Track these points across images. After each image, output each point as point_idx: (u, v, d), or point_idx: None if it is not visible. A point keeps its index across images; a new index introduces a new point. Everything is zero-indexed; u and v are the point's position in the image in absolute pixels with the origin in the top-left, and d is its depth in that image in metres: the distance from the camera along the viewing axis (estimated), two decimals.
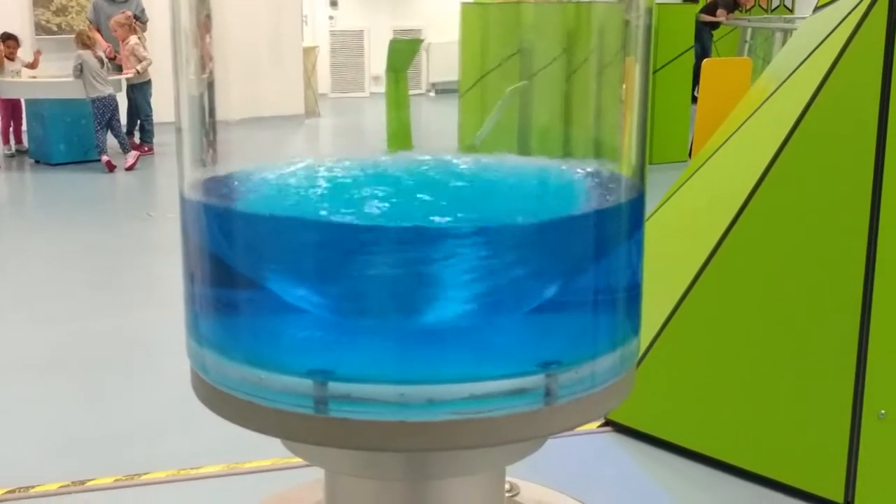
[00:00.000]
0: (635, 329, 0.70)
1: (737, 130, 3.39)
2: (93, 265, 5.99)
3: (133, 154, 8.97)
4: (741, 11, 11.48)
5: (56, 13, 10.59)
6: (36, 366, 4.34)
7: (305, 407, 0.63)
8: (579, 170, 0.70)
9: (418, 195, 0.68)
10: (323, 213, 0.66)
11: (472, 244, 0.63)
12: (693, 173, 3.58)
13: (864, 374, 2.87)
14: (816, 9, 3.68)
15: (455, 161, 0.73)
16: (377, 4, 0.70)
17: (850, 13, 2.88)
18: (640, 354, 3.35)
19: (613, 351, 0.67)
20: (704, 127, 5.34)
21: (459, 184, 0.71)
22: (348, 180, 0.71)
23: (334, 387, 0.62)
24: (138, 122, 9.50)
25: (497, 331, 0.64)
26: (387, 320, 0.63)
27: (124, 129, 9.21)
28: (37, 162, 9.18)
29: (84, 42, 8.61)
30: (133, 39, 8.94)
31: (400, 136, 0.75)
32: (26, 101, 9.25)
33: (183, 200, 0.70)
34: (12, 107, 9.36)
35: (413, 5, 0.68)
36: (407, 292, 0.62)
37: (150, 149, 9.44)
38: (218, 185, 0.71)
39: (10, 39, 9.20)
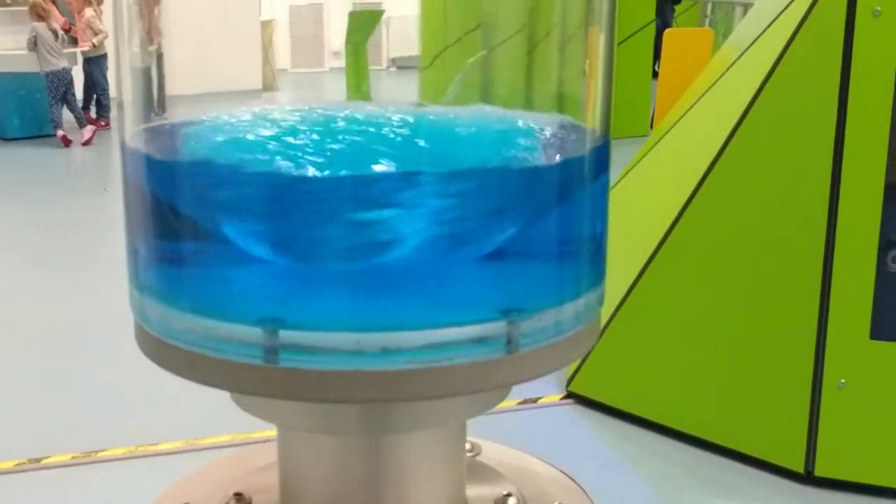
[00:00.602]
0: (598, 278, 0.68)
1: (698, 101, 3.38)
2: (46, 240, 5.90)
3: (89, 129, 8.85)
4: None
5: None
6: None
7: (255, 357, 0.60)
8: (540, 120, 0.68)
9: (373, 142, 0.65)
10: (273, 157, 0.62)
11: (427, 187, 0.60)
12: (654, 144, 3.56)
13: (823, 343, 2.88)
14: None
15: (413, 110, 0.70)
16: None
17: None
18: (602, 327, 3.35)
19: (576, 299, 0.65)
20: (666, 97, 5.33)
21: (416, 130, 0.68)
22: (301, 127, 0.68)
23: (285, 335, 0.59)
24: (94, 96, 9.37)
25: (455, 276, 0.61)
26: (340, 265, 0.60)
27: (80, 104, 9.07)
28: None
29: (38, 14, 8.47)
30: (89, 12, 8.80)
31: None
32: None
33: (125, 148, 0.66)
34: None
35: None
36: (361, 236, 0.59)
37: (107, 123, 9.32)
38: (163, 135, 0.67)
39: None
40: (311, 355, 0.59)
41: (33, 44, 8.44)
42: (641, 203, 3.45)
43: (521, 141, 0.66)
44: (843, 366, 2.87)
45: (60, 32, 8.69)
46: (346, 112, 0.69)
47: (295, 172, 0.62)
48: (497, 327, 0.61)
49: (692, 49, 5.61)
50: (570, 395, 3.66)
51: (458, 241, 0.61)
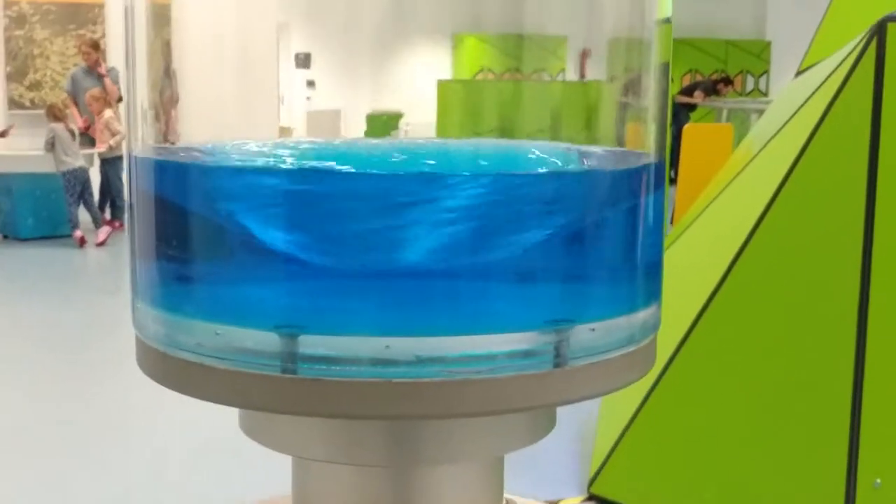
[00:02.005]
0: (654, 298, 0.61)
1: (721, 192, 3.33)
2: (58, 341, 5.84)
3: (104, 230, 8.85)
4: (718, 96, 11.61)
5: (29, 88, 10.53)
6: None
7: (271, 367, 0.53)
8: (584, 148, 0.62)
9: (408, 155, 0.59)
10: (297, 160, 0.57)
11: (468, 185, 0.54)
12: (676, 238, 3.50)
13: (857, 442, 2.77)
14: (798, 73, 3.66)
15: (446, 143, 0.64)
16: (355, 85, 0.62)
17: (835, 69, 2.84)
18: (624, 426, 3.24)
19: (630, 314, 0.58)
20: (686, 193, 5.29)
21: (451, 151, 0.62)
22: (326, 149, 0.62)
23: (306, 341, 0.52)
24: (110, 198, 9.41)
25: (500, 279, 0.54)
26: (369, 263, 0.53)
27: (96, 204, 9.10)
28: (5, 237, 9.03)
29: (55, 115, 8.54)
30: (108, 113, 8.88)
31: None
32: None
33: (136, 159, 0.60)
34: None
35: (391, 87, 0.61)
36: (392, 234, 0.53)
37: (122, 225, 9.32)
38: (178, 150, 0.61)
39: None
40: (334, 364, 0.52)
41: (51, 144, 8.49)
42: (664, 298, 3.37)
43: (564, 156, 0.60)
44: (879, 464, 2.76)
45: (77, 133, 8.76)
46: (376, 143, 0.63)
47: (321, 167, 0.56)
48: (545, 337, 0.54)
49: (712, 145, 5.59)
50: (591, 498, 3.53)
51: (504, 242, 0.54)
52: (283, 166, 0.55)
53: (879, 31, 2.72)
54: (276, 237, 0.53)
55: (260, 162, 0.56)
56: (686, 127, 6.36)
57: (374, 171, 0.54)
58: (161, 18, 0.59)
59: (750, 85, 14.80)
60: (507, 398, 0.53)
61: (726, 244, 3.05)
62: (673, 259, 3.62)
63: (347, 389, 0.52)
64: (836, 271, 2.78)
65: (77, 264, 8.25)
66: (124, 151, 0.62)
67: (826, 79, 2.92)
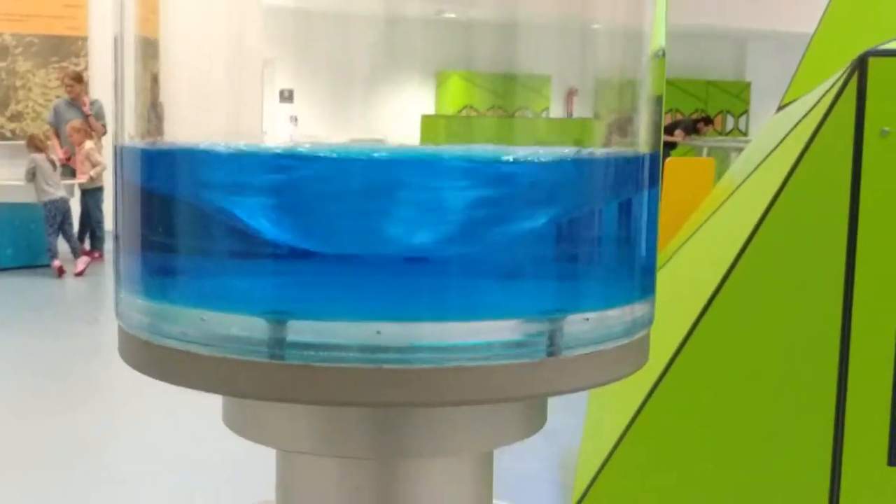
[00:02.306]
0: (648, 293, 0.60)
1: (704, 223, 3.33)
2: (37, 370, 5.78)
3: (83, 260, 8.81)
4: (699, 135, 11.69)
5: (11, 119, 10.50)
6: None
7: (258, 353, 0.52)
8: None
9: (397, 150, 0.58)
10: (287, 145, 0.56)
11: (462, 167, 0.53)
12: (659, 269, 3.50)
13: (839, 471, 2.76)
14: (780, 108, 3.68)
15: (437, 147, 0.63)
16: (338, 119, 0.61)
17: (817, 103, 2.86)
18: (610, 448, 3.22)
19: (625, 305, 0.57)
20: (668, 226, 5.30)
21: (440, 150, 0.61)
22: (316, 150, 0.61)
23: (294, 326, 0.51)
24: (89, 228, 9.36)
25: (494, 264, 0.53)
26: (359, 246, 0.52)
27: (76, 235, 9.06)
28: None
29: (36, 145, 8.51)
30: (88, 144, 8.85)
31: None
32: None
33: (122, 149, 0.59)
34: None
35: (374, 122, 0.60)
36: (382, 216, 0.52)
37: (101, 255, 9.27)
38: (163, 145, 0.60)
39: None
40: (322, 350, 0.51)
41: (32, 174, 8.46)
42: None
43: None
44: (860, 495, 2.75)
45: (58, 163, 8.72)
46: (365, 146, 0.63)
47: (308, 151, 0.55)
48: (538, 326, 0.53)
49: (694, 179, 5.61)
50: None
51: (497, 229, 0.53)
52: (270, 151, 0.54)
53: (860, 65, 2.74)
54: (263, 222, 0.52)
55: (246, 147, 0.55)
56: (668, 160, 6.38)
57: (363, 156, 0.53)
58: (149, 52, 0.59)
59: (730, 124, 14.93)
60: (500, 386, 0.52)
61: (710, 274, 3.05)
62: (657, 287, 3.60)
63: (336, 376, 0.50)
64: (818, 299, 2.78)
65: (56, 294, 8.19)
66: (109, 168, 0.60)
67: (808, 112, 2.94)
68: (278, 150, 0.54)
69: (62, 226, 8.63)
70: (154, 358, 0.55)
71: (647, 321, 0.60)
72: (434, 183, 0.52)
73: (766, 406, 2.91)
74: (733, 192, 3.22)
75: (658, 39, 0.60)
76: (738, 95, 15.00)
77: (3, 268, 8.82)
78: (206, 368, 0.52)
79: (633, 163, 0.59)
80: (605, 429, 3.40)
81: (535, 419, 0.60)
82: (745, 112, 15.04)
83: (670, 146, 11.25)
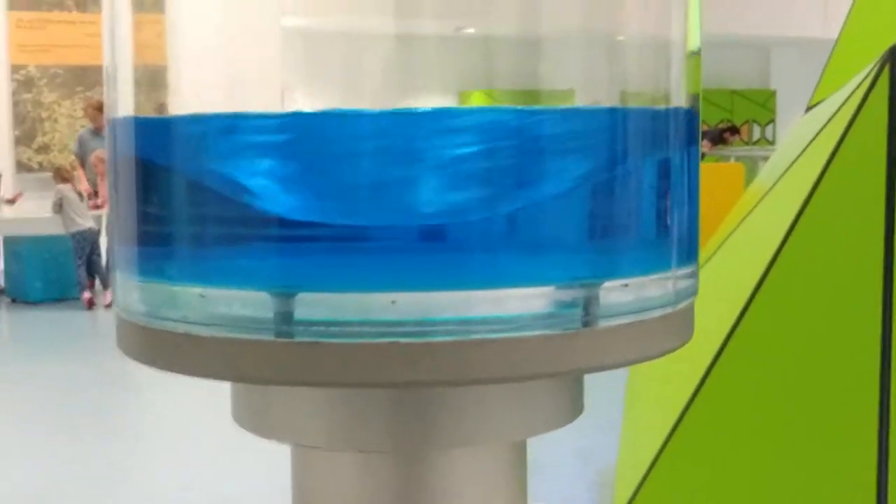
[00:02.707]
0: (692, 258, 0.55)
1: (737, 227, 3.27)
2: (69, 402, 5.77)
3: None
4: (725, 145, 11.63)
5: (38, 151, 10.56)
6: None
7: (264, 331, 0.47)
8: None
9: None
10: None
11: (483, 118, 0.48)
12: None
13: (886, 481, 2.68)
14: (808, 109, 3.62)
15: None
16: None
17: (847, 99, 2.79)
18: (647, 467, 3.15)
19: (666, 271, 0.52)
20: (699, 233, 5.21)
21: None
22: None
23: (302, 299, 0.46)
24: None
25: (520, 225, 0.48)
26: (370, 211, 0.47)
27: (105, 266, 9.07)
28: (13, 301, 8.99)
29: (63, 176, 8.54)
30: None
31: None
32: (4, 239, 9.12)
33: (115, 122, 0.55)
34: None
35: None
36: (397, 175, 0.47)
37: None
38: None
39: None
40: (333, 326, 0.46)
41: (59, 206, 8.48)
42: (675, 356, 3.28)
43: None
44: None
45: (84, 195, 8.74)
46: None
47: (314, 110, 0.50)
48: (572, 293, 0.48)
49: (723, 184, 5.55)
50: None
51: (524, 187, 0.48)
52: (272, 113, 0.49)
53: (892, 58, 2.68)
54: (266, 188, 0.48)
55: (246, 111, 0.51)
56: None
57: (373, 111, 0.49)
58: (156, 81, 0.54)
59: (756, 134, 14.82)
60: (531, 361, 0.47)
61: (745, 280, 2.98)
62: None
63: (350, 353, 0.46)
64: (858, 297, 2.71)
65: (86, 326, 8.20)
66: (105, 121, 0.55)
67: (838, 109, 2.88)
68: (281, 112, 0.49)
69: (91, 257, 8.64)
70: (152, 344, 0.50)
71: (691, 291, 0.55)
72: (451, 136, 0.47)
73: (807, 415, 2.83)
74: (765, 195, 3.16)
75: (692, 40, 0.55)
76: (763, 104, 14.89)
77: (34, 301, 8.83)
78: (207, 351, 0.48)
79: (668, 117, 0.53)
80: (642, 443, 3.32)
81: (571, 404, 0.54)
82: (772, 121, 14.93)
83: None
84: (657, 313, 0.51)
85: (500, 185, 0.47)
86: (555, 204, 0.48)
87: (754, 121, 14.84)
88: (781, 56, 14.77)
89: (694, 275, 0.55)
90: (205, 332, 0.48)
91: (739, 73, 14.62)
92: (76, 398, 5.84)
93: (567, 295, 0.48)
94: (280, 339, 0.46)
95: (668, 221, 0.53)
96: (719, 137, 11.62)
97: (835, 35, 4.15)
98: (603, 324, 0.48)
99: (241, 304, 0.47)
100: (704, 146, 11.24)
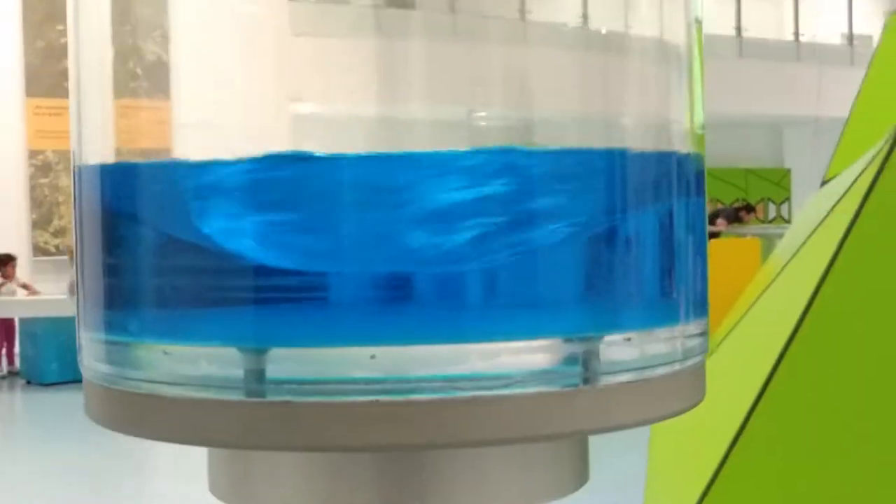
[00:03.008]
0: (699, 312, 0.51)
1: (757, 301, 3.21)
2: (83, 484, 5.70)
3: None
4: (741, 223, 11.60)
5: (55, 234, 10.61)
6: None
7: (233, 391, 0.43)
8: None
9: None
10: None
11: (473, 161, 0.45)
12: (713, 351, 3.37)
13: None
14: (824, 183, 3.58)
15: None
16: None
17: (864, 170, 2.75)
18: None
19: (672, 325, 0.48)
20: (715, 307, 5.16)
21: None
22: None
23: (274, 356, 0.42)
24: None
25: (515, 273, 0.44)
26: (348, 259, 0.43)
27: None
28: (28, 382, 8.95)
29: None
30: None
31: None
32: (20, 321, 9.11)
33: (81, 170, 0.51)
34: (6, 328, 9.22)
35: None
36: (378, 220, 0.43)
37: None
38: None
39: (10, 261, 9.17)
40: (308, 384, 0.42)
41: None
42: (701, 421, 3.22)
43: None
44: None
45: None
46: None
47: (287, 152, 0.47)
48: (571, 347, 0.44)
49: (740, 259, 5.49)
50: None
51: (519, 233, 0.44)
52: (240, 158, 0.45)
53: None
54: (233, 234, 0.44)
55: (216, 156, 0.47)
56: (713, 241, 6.30)
57: (352, 154, 0.45)
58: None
59: (772, 212, 14.78)
60: (527, 422, 0.42)
61: (765, 354, 2.92)
62: (712, 368, 3.46)
63: (326, 414, 0.41)
64: (880, 371, 2.64)
65: None
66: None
67: (854, 181, 2.84)
68: (250, 157, 0.46)
69: None
70: (114, 406, 0.46)
71: (701, 347, 0.50)
72: (437, 183, 0.44)
73: (836, 483, 2.75)
74: (782, 268, 3.11)
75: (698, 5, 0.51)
76: (778, 183, 14.89)
77: (50, 383, 8.79)
78: (172, 413, 0.44)
79: (671, 162, 0.50)
80: None
81: (574, 469, 0.50)
82: (787, 199, 14.90)
83: (713, 235, 11.16)
84: (664, 371, 0.47)
85: (491, 230, 0.44)
86: (551, 252, 0.44)
87: (769, 199, 14.82)
88: (794, 134, 14.81)
89: (704, 332, 0.51)
90: (170, 392, 0.44)
91: (753, 151, 14.65)
92: (92, 481, 5.77)
93: (565, 349, 0.44)
94: (251, 399, 0.42)
95: (674, 273, 0.49)
96: (735, 216, 11.60)
97: (846, 114, 4.14)
98: (605, 381, 0.44)
99: (207, 361, 0.43)
100: (720, 224, 11.20)
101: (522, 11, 0.48)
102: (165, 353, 0.44)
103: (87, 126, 0.51)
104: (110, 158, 0.49)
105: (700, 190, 0.52)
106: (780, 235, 9.45)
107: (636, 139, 0.49)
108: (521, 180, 0.44)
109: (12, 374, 9.29)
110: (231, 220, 0.44)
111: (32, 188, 10.57)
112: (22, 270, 9.71)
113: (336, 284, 0.43)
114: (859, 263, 2.70)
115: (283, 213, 0.44)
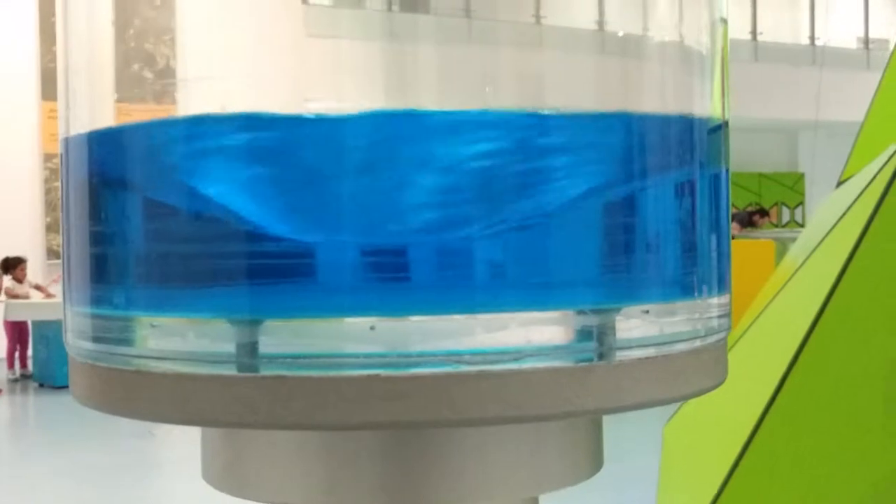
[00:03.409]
0: (721, 287, 0.48)
1: (769, 304, 3.17)
2: (95, 485, 5.69)
3: None
4: (755, 227, 11.55)
5: None
6: None
7: (224, 365, 0.40)
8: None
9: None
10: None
11: (479, 121, 0.42)
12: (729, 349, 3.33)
13: None
14: (839, 184, 3.55)
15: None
16: None
17: (881, 169, 2.72)
18: None
19: (692, 299, 0.45)
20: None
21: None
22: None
23: (268, 328, 0.40)
24: None
25: (523, 242, 0.41)
26: (346, 224, 0.40)
27: None
28: (41, 385, 8.94)
29: None
30: None
31: None
32: (33, 324, 9.12)
33: (69, 142, 0.49)
34: (19, 330, 9.22)
35: None
36: (377, 182, 0.41)
37: None
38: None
39: (20, 264, 9.16)
40: (304, 357, 0.39)
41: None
42: (716, 420, 3.18)
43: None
44: None
45: None
46: None
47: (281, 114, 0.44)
48: (585, 319, 0.41)
49: (754, 261, 5.45)
50: None
51: (528, 195, 0.42)
52: (235, 114, 0.43)
53: None
54: (227, 198, 0.41)
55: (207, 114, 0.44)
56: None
57: (353, 114, 0.42)
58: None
59: (786, 216, 14.72)
60: (538, 399, 0.40)
61: (779, 357, 2.88)
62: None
63: (323, 389, 0.39)
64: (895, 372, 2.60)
65: None
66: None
67: (870, 182, 2.80)
68: (245, 114, 0.43)
69: None
70: (102, 385, 0.44)
71: (723, 325, 0.48)
72: (438, 141, 0.41)
73: (845, 495, 2.71)
74: (797, 269, 3.08)
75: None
76: (791, 187, 14.82)
77: (62, 386, 8.78)
78: (160, 390, 0.41)
79: (693, 127, 0.47)
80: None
81: (589, 454, 0.47)
82: (801, 203, 14.83)
83: None
84: (685, 346, 0.44)
85: (501, 193, 0.41)
86: (564, 217, 0.42)
87: (783, 203, 14.75)
88: (808, 139, 14.73)
89: (726, 309, 0.48)
90: (157, 367, 0.41)
91: (767, 156, 14.59)
92: (103, 486, 5.75)
93: (578, 322, 0.41)
94: (243, 374, 0.40)
95: (696, 240, 0.46)
96: (748, 220, 11.55)
97: (861, 118, 4.11)
98: (620, 357, 0.41)
99: (196, 334, 0.41)
100: (734, 228, 11.16)
101: (537, 15, 0.46)
102: (153, 326, 0.41)
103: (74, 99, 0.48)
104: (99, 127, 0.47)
105: (723, 161, 0.49)
106: (794, 240, 9.39)
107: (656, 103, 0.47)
108: (532, 142, 0.42)
109: (25, 376, 9.29)
110: (221, 180, 0.42)
111: (47, 191, 10.59)
112: (36, 273, 9.72)
113: (332, 251, 0.40)
114: (875, 264, 2.66)
115: (277, 173, 0.41)
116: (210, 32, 0.46)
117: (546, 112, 0.43)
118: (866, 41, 13.90)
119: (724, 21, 0.50)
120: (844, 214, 2.90)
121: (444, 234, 0.40)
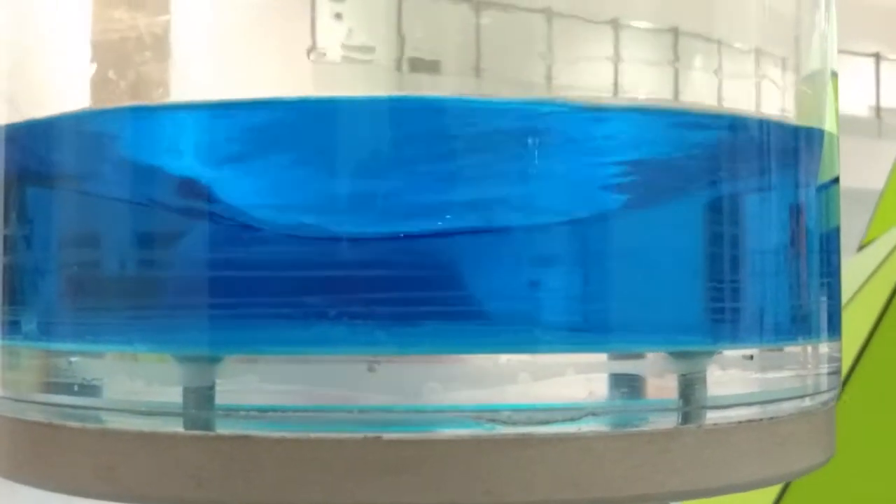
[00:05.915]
0: (833, 332, 0.37)
1: None
2: None
3: None
4: None
5: None
6: None
7: (166, 416, 0.29)
8: None
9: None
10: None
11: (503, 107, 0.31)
12: None
13: None
14: (861, 248, 3.45)
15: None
16: None
17: None
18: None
19: (805, 342, 0.34)
20: None
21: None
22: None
23: (227, 370, 0.29)
24: None
25: (573, 261, 0.30)
26: (333, 233, 0.29)
27: None
28: None
29: None
30: None
31: None
32: None
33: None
34: None
35: None
36: (373, 185, 0.30)
37: None
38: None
39: None
40: (275, 409, 0.28)
41: None
42: None
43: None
44: None
45: None
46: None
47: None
48: (668, 365, 0.30)
49: None
50: None
51: (583, 192, 0.31)
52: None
53: None
54: (177, 194, 0.30)
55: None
56: None
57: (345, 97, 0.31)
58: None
59: None
60: (597, 478, 0.28)
61: None
62: None
63: (301, 457, 0.27)
64: None
65: None
66: None
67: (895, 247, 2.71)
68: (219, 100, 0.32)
69: None
70: (3, 442, 0.32)
71: (833, 383, 0.36)
72: (465, 126, 0.30)
73: None
74: None
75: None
76: None
77: None
78: (76, 452, 0.30)
79: (798, 136, 0.36)
80: None
81: None
82: None
83: None
84: (790, 407, 0.32)
85: (549, 191, 0.30)
86: (635, 230, 0.31)
87: None
88: None
89: (837, 364, 0.37)
90: (74, 422, 0.30)
91: None
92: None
93: (660, 370, 0.30)
94: (191, 433, 0.28)
95: (799, 272, 0.35)
96: None
97: (874, 184, 4.04)
98: (713, 418, 0.30)
99: (130, 375, 0.29)
100: None
101: (548, 77, 0.36)
102: (70, 362, 0.30)
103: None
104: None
105: (836, 174, 0.39)
106: None
107: None
108: (596, 135, 0.31)
109: None
110: (167, 177, 0.31)
111: None
112: None
113: (316, 271, 0.29)
114: None
115: (239, 177, 0.30)
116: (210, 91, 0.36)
117: (591, 104, 0.32)
118: (878, 109, 13.94)
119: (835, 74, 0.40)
120: (867, 281, 2.79)
121: (466, 242, 0.29)
